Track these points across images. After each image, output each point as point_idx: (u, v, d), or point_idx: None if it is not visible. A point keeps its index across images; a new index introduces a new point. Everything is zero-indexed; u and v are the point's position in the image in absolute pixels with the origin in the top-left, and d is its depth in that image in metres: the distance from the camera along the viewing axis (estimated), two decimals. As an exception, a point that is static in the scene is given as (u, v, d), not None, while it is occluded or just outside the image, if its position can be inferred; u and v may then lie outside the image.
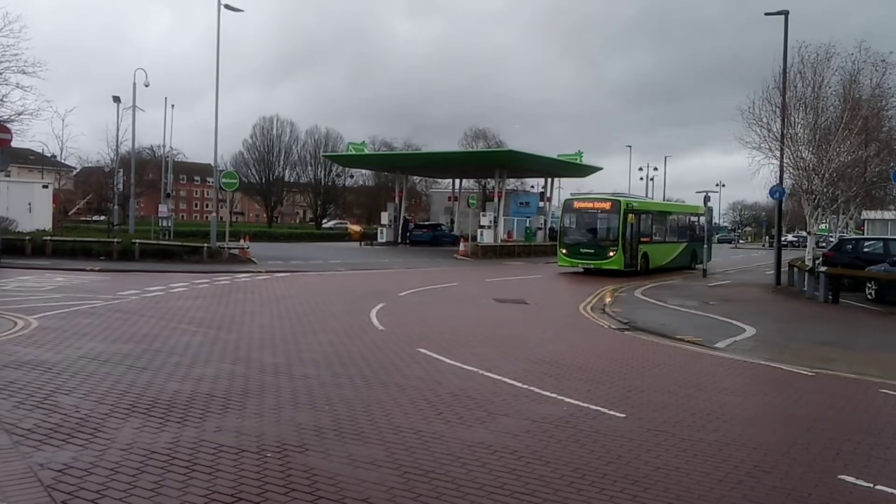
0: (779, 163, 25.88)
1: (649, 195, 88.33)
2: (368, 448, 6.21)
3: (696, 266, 33.88)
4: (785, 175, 26.24)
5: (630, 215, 28.80)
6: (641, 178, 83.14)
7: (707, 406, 8.32)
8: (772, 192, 26.76)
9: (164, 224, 38.81)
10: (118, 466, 5.49)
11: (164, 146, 52.84)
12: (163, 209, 40.46)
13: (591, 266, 28.65)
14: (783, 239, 33.07)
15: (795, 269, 25.39)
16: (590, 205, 29.83)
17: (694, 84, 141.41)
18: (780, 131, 25.42)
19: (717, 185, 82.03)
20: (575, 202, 30.56)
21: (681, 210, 37.18)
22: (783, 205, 30.31)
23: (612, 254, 28.16)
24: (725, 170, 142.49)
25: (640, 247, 29.76)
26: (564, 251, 29.43)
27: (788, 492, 5.61)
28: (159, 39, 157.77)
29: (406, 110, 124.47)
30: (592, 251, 28.69)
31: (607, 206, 28.95)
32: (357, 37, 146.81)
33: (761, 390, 9.71)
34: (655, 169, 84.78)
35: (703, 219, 36.33)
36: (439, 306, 17.65)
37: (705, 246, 34.61)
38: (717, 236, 78.52)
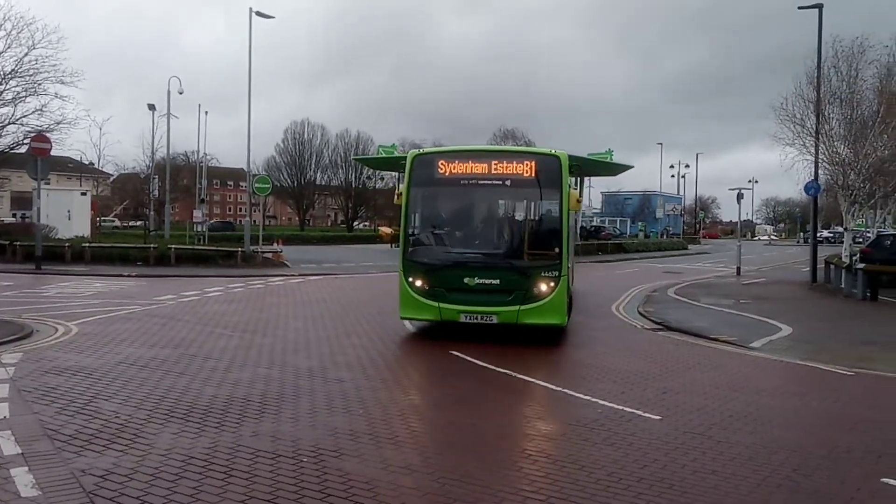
0: (813, 159, 25.46)
1: (679, 192, 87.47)
2: (403, 453, 6.24)
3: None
4: (820, 171, 25.81)
5: (573, 192, 13.70)
6: (673, 176, 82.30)
7: (744, 408, 8.22)
8: (807, 189, 26.31)
9: (199, 229, 39.32)
10: (158, 472, 5.58)
11: (197, 152, 53.59)
12: (197, 214, 41.00)
13: (494, 319, 11.84)
14: (818, 235, 32.50)
15: (832, 266, 24.96)
16: (480, 168, 12.25)
17: (740, 79, 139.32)
18: (814, 127, 25.01)
19: (749, 181, 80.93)
20: (439, 161, 12.45)
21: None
22: (818, 201, 29.81)
23: (545, 287, 11.83)
24: (764, 166, 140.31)
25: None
26: (418, 282, 12.15)
27: (829, 496, 5.53)
28: (204, 46, 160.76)
29: (447, 112, 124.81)
30: (498, 283, 11.88)
31: (528, 167, 12.17)
32: (402, 38, 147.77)
33: (799, 391, 9.56)
34: (687, 166, 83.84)
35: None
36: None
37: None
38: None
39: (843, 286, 22.45)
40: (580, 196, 13.62)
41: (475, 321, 11.89)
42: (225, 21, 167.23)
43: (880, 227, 32.75)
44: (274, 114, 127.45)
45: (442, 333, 12.76)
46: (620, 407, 8.00)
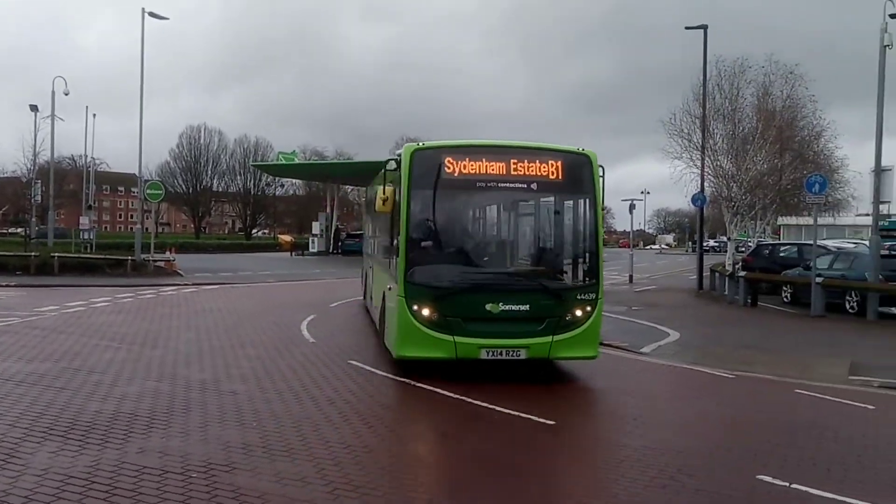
0: (700, 172, 26.78)
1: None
2: (298, 465, 6.12)
3: None
4: (706, 183, 27.17)
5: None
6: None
7: (633, 411, 8.52)
8: (693, 200, 27.64)
9: (86, 236, 37.52)
10: (32, 494, 5.25)
11: (84, 156, 51.15)
12: (84, 221, 39.09)
13: (522, 354, 9.70)
14: (705, 244, 34.16)
15: (717, 274, 26.27)
16: (498, 167, 9.97)
17: (635, 93, 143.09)
18: (700, 142, 26.33)
19: (641, 192, 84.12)
20: (447, 158, 9.87)
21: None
22: (705, 211, 31.35)
23: (580, 313, 9.88)
24: (656, 177, 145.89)
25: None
26: (426, 310, 9.58)
27: (711, 494, 5.79)
28: (93, 46, 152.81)
29: (350, 119, 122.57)
30: (527, 309, 9.73)
31: (555, 167, 10.06)
32: (305, 42, 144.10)
33: (685, 394, 9.99)
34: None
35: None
36: (371, 316, 17.56)
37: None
38: None
39: (726, 293, 23.67)
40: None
41: (499, 357, 9.67)
42: (116, 21, 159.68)
43: (760, 237, 34.76)
44: (170, 118, 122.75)
45: (339, 341, 12.66)
46: (517, 413, 8.11)
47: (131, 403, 8.05)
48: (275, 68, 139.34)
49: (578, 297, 9.92)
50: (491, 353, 9.64)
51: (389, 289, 10.56)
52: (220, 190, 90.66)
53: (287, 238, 64.07)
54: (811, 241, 21.36)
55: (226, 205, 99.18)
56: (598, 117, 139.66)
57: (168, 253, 31.67)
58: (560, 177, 10.04)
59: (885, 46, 18.43)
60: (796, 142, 28.91)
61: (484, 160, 9.92)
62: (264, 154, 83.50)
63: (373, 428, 7.36)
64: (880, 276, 18.67)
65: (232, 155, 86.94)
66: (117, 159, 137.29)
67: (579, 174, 10.14)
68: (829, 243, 28.71)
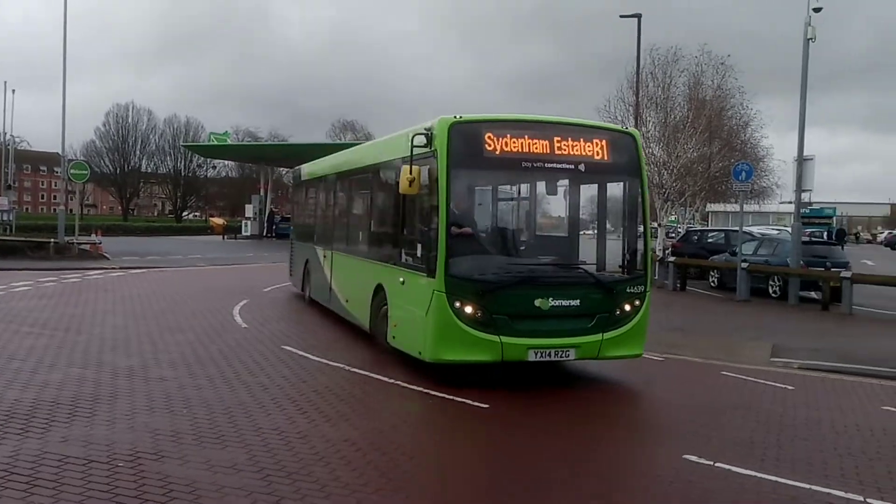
0: (633, 158, 27.33)
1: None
2: (229, 452, 6.02)
3: None
4: (638, 170, 27.76)
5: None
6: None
7: (564, 395, 8.66)
8: (626, 186, 28.24)
9: (5, 217, 36.04)
10: (-53, 486, 5.03)
11: (3, 133, 48.96)
12: (3, 201, 37.53)
13: (571, 355, 8.84)
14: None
15: (648, 259, 26.89)
16: (542, 145, 8.90)
17: (572, 81, 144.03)
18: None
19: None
20: (487, 133, 8.70)
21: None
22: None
23: (629, 308, 9.12)
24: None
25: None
26: (469, 308, 8.40)
27: (640, 472, 5.95)
28: (13, 19, 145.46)
29: (285, 100, 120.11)
30: (577, 304, 8.84)
31: (601, 146, 9.16)
32: (241, 21, 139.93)
33: (615, 377, 10.18)
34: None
35: None
36: (305, 301, 17.38)
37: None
38: None
39: (656, 277, 24.22)
40: None
41: (547, 359, 8.75)
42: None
43: (690, 223, 35.71)
44: (96, 96, 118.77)
45: (272, 327, 12.50)
46: (451, 397, 8.15)
47: (53, 391, 7.77)
48: (207, 47, 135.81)
49: (629, 289, 9.13)
50: (539, 355, 8.67)
51: (402, 282, 9.45)
52: (150, 171, 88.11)
53: (219, 221, 62.73)
54: (737, 228, 22.04)
55: (155, 186, 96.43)
56: (537, 104, 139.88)
57: (94, 235, 30.62)
58: (607, 157, 9.19)
59: (808, 39, 19.06)
60: (725, 131, 29.81)
61: (527, 137, 8.88)
62: (195, 134, 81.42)
63: (306, 413, 7.29)
64: (801, 262, 19.42)
65: (161, 135, 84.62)
66: (39, 138, 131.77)
67: (627, 154, 9.42)
68: (755, 230, 29.72)
